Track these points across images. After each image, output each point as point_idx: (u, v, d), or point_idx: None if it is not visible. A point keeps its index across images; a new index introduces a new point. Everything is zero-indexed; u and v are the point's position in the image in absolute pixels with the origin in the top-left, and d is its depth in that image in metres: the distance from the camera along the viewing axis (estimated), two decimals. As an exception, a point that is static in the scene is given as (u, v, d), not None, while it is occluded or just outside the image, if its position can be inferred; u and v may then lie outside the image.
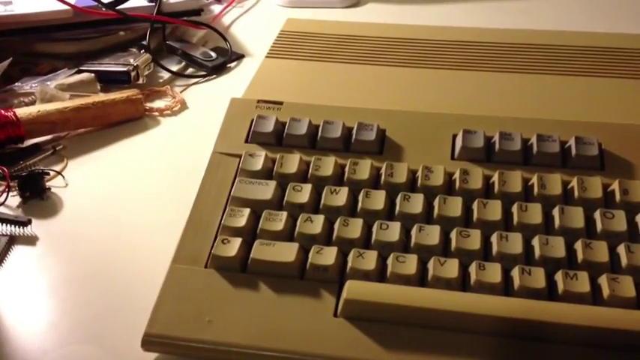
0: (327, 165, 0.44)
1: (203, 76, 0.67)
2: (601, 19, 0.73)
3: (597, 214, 0.40)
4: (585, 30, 0.61)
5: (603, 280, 0.37)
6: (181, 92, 0.65)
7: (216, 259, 0.40)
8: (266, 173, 0.45)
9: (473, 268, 0.38)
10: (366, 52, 0.58)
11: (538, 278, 0.37)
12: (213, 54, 0.69)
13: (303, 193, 0.43)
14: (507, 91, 0.52)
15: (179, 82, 0.67)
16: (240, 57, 0.70)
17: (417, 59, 0.56)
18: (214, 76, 0.67)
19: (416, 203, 0.42)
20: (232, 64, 0.69)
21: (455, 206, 0.42)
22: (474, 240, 0.40)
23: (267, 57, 0.59)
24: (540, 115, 0.47)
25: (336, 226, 0.41)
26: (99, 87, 0.63)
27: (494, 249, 0.39)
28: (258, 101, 0.50)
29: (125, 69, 0.64)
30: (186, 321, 0.38)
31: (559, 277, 0.37)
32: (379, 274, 0.39)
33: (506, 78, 0.54)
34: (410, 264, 0.39)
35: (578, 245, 0.39)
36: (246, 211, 0.42)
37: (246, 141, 0.48)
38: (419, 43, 0.58)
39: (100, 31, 0.69)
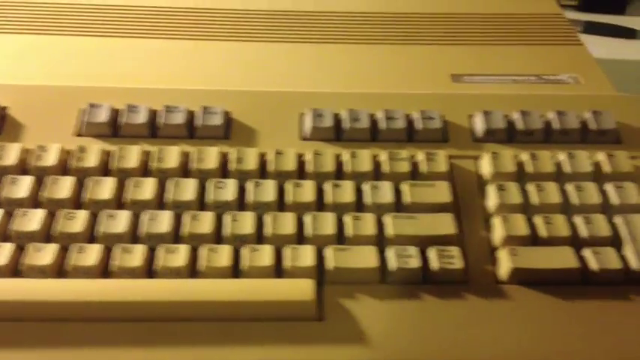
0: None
1: None
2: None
3: (209, 184, 0.40)
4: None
5: (202, 251, 0.37)
6: None
7: None
8: None
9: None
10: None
11: (136, 257, 0.36)
12: None
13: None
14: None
15: None
16: None
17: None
18: None
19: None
20: None
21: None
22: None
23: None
24: (178, 85, 0.46)
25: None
26: None
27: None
28: None
29: None
30: None
31: (160, 252, 0.37)
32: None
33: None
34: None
35: (186, 219, 0.38)
36: None
37: None
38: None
39: None
